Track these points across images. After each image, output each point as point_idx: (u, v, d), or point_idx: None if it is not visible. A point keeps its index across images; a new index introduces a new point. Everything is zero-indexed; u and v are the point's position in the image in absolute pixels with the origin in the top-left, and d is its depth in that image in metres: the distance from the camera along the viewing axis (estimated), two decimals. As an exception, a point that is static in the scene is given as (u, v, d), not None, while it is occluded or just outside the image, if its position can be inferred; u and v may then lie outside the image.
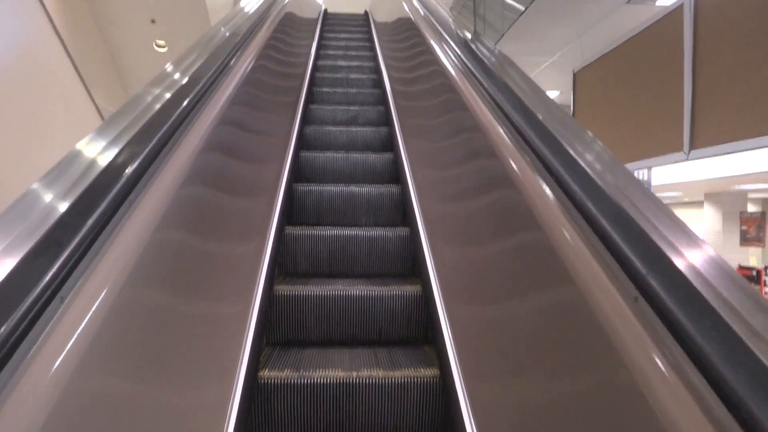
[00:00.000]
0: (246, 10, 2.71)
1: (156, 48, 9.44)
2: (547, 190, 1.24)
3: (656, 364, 0.74)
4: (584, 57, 6.32)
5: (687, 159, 4.23)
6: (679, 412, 0.67)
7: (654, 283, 0.79)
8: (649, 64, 4.77)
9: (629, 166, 4.81)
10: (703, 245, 0.83)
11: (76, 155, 1.07)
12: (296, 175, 3.19)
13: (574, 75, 6.23)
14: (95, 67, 8.72)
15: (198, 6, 8.51)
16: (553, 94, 9.31)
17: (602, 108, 5.75)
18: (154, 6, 8.62)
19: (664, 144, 4.53)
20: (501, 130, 1.62)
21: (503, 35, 7.63)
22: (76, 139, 1.07)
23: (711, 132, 4.01)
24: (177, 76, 1.61)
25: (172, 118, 1.37)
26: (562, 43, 7.79)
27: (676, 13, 4.39)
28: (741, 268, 8.97)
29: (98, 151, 1.10)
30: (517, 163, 1.44)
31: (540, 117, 1.42)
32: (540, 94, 1.64)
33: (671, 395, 0.69)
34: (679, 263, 0.77)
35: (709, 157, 4.17)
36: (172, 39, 9.28)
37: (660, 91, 4.60)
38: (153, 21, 8.88)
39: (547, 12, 6.81)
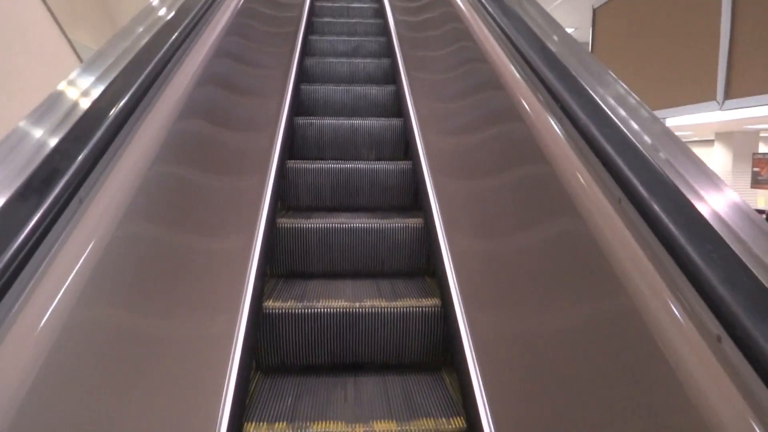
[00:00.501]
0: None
1: None
2: (551, 119, 1.21)
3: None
4: None
5: (721, 109, 3.85)
6: (651, 296, 0.76)
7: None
8: (681, 2, 4.29)
9: (661, 113, 4.45)
10: (681, 152, 0.88)
11: (72, 82, 1.05)
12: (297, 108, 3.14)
13: (594, 11, 5.71)
14: (83, 7, 8.30)
15: None
16: (568, 30, 8.92)
17: (625, 49, 5.22)
18: None
19: (695, 92, 4.12)
20: (507, 61, 1.58)
21: None
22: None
23: (750, 80, 3.58)
24: (170, 5, 1.56)
25: (166, 46, 1.33)
26: None
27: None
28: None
29: (93, 81, 1.08)
30: (521, 93, 1.41)
31: (548, 45, 1.38)
32: (549, 22, 1.59)
33: (650, 284, 0.77)
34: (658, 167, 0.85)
35: (745, 107, 3.79)
36: None
37: (693, 32, 4.12)
38: None
39: None
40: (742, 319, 0.61)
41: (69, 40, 5.27)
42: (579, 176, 1.04)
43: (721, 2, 3.72)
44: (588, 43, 5.84)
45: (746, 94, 3.64)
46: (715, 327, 0.65)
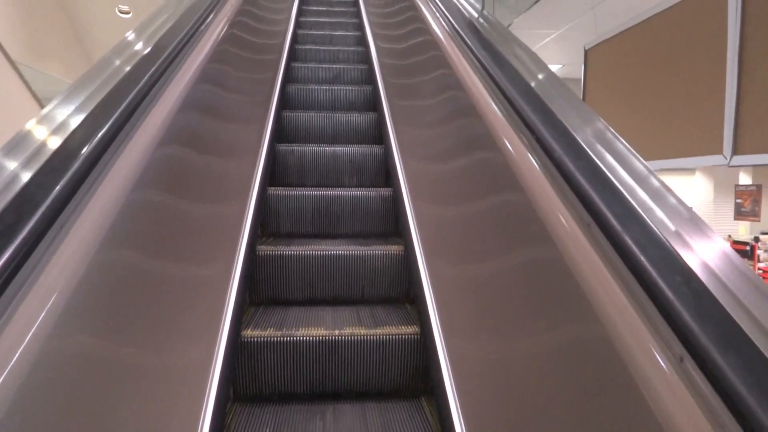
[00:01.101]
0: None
1: (119, 14, 8.53)
2: (525, 149, 1.24)
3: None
4: (597, 31, 5.60)
5: (728, 165, 3.48)
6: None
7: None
8: (681, 46, 3.96)
9: (653, 164, 3.99)
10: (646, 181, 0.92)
11: (45, 117, 1.05)
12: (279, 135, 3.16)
13: (586, 52, 5.34)
14: (54, 39, 7.83)
15: None
16: (553, 68, 8.70)
17: (620, 93, 4.87)
18: None
19: (699, 143, 3.72)
20: (483, 90, 1.61)
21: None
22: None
23: (761, 135, 3.23)
24: (151, 33, 1.57)
25: (148, 75, 1.34)
26: (572, 15, 6.66)
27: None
28: (735, 243, 8.45)
29: (70, 112, 1.09)
30: (497, 123, 1.44)
31: (523, 74, 1.42)
32: (525, 53, 1.63)
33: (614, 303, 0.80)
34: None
35: (758, 165, 3.50)
36: (136, 2, 8.32)
37: (695, 79, 3.78)
38: None
39: None
40: (702, 340, 0.63)
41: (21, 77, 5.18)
42: (551, 203, 1.07)
43: (727, 49, 3.45)
44: (579, 83, 5.59)
45: (757, 150, 3.28)
46: (678, 348, 0.67)
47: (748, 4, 3.24)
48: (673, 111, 4.02)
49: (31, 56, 6.72)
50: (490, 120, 1.52)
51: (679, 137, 3.94)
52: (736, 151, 3.37)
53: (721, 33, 3.41)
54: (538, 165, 1.17)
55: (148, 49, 1.46)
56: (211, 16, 2.00)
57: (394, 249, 2.20)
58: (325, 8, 5.88)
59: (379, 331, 1.80)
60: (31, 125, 1.01)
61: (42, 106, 5.55)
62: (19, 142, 0.95)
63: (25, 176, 0.86)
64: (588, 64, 5.33)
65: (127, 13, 8.40)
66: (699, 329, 0.65)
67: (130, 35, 1.58)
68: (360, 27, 5.17)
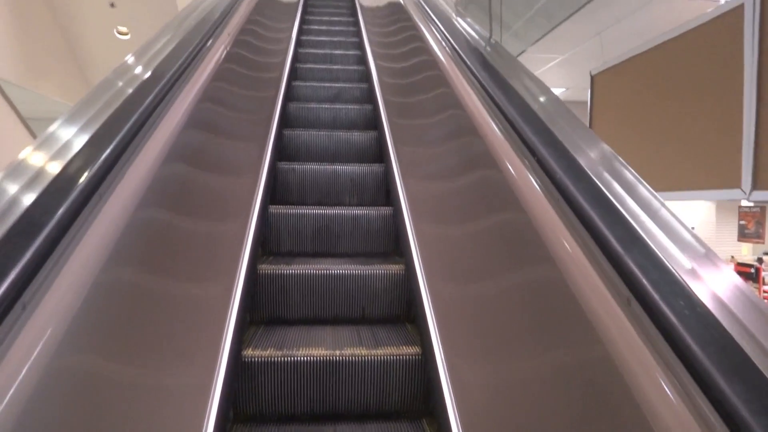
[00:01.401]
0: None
1: (117, 35, 8.39)
2: (526, 170, 1.25)
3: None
4: (604, 56, 5.39)
5: (747, 199, 3.30)
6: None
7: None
8: (695, 74, 3.76)
9: (665, 195, 3.79)
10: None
11: (50, 137, 1.06)
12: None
13: (593, 78, 5.10)
14: (51, 60, 7.80)
15: None
16: (557, 91, 8.25)
17: (629, 121, 4.63)
18: None
19: (714, 175, 3.51)
20: (483, 109, 1.62)
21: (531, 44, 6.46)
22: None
23: None
24: (154, 54, 1.59)
25: (152, 96, 1.35)
26: (578, 40, 6.43)
27: (733, 14, 3.35)
28: (739, 264, 8.05)
29: (72, 134, 1.09)
30: (497, 143, 1.45)
31: (522, 94, 1.44)
32: (525, 75, 1.64)
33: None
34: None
35: None
36: (134, 25, 8.19)
37: (710, 108, 3.58)
38: (112, 5, 7.81)
39: (566, 7, 5.50)
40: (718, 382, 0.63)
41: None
42: (552, 224, 1.07)
43: (744, 78, 3.23)
44: (582, 106, 5.39)
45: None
46: (686, 375, 0.66)
47: (766, 31, 3.12)
48: (686, 141, 3.82)
49: (27, 77, 6.73)
50: (489, 139, 1.54)
51: (693, 169, 3.74)
52: (756, 185, 3.17)
53: (738, 60, 3.28)
54: (539, 185, 1.18)
55: (151, 70, 1.47)
56: (211, 39, 2.02)
57: (395, 268, 2.20)
58: (325, 27, 5.93)
59: (380, 351, 1.79)
60: (31, 148, 1.02)
61: (27, 127, 5.53)
62: (19, 165, 0.96)
63: (28, 198, 0.86)
64: (594, 90, 5.10)
65: (125, 34, 8.30)
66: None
67: (134, 56, 1.59)
68: (360, 46, 5.22)
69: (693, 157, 3.74)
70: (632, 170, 1.08)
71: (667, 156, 4.05)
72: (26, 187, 0.89)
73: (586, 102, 5.31)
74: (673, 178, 3.93)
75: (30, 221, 0.81)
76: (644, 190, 1.02)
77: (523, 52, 6.53)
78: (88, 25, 8.02)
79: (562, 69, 7.37)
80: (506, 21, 6.58)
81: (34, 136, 5.57)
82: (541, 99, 1.47)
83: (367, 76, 4.38)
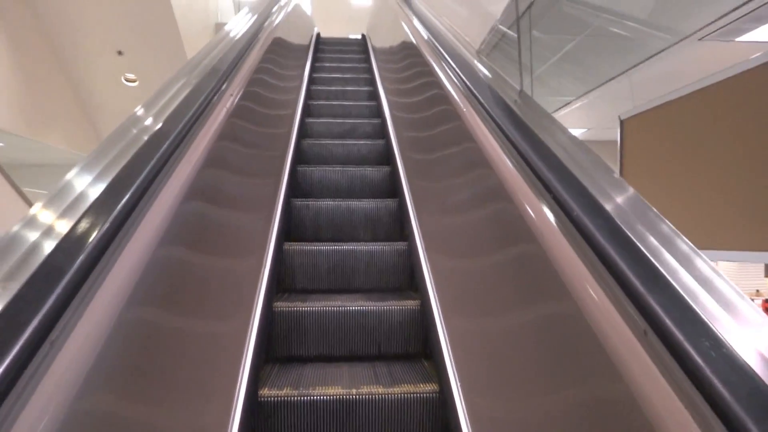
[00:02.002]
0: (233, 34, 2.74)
1: (125, 82, 8.23)
2: (544, 206, 1.25)
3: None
4: (634, 100, 5.01)
5: None
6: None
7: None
8: (743, 122, 3.38)
9: (712, 255, 3.44)
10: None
11: (77, 174, 1.08)
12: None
13: (623, 123, 4.66)
14: (58, 108, 7.72)
15: (170, 35, 7.28)
16: (578, 131, 7.70)
17: (664, 171, 4.20)
18: (121, 36, 7.49)
19: (761, 236, 3.17)
20: (495, 143, 1.63)
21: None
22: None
23: None
24: (173, 95, 1.62)
25: (171, 137, 1.38)
26: (602, 81, 5.93)
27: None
28: (766, 300, 7.90)
29: (97, 172, 1.12)
30: (511, 176, 1.45)
31: (532, 128, 1.44)
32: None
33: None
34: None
35: None
36: (142, 71, 8.07)
37: (761, 160, 3.22)
38: (120, 53, 7.73)
39: (594, 49, 5.05)
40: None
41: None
42: (569, 258, 1.07)
43: None
44: (603, 146, 5.18)
45: None
46: (703, 404, 0.65)
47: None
48: (732, 195, 3.44)
49: (32, 128, 6.75)
50: (503, 174, 1.54)
51: (741, 226, 3.35)
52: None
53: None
54: (555, 221, 1.18)
55: (171, 110, 1.50)
56: (226, 84, 2.06)
57: (410, 304, 2.19)
58: (336, 65, 6.04)
59: (396, 389, 1.77)
60: (47, 197, 1.04)
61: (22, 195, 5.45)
62: (34, 217, 0.98)
63: (49, 246, 0.88)
64: (625, 136, 4.65)
65: (133, 81, 8.20)
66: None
67: (155, 96, 1.63)
68: (372, 82, 5.30)
69: (739, 214, 3.37)
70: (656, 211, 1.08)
71: (705, 211, 3.66)
72: (48, 234, 0.91)
73: (608, 141, 5.04)
74: (716, 236, 3.54)
75: (54, 266, 0.82)
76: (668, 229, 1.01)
77: (563, 106, 6.21)
78: (96, 73, 7.99)
79: (581, 109, 6.95)
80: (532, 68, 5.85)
81: (29, 204, 5.45)
82: (557, 136, 1.48)
83: (378, 111, 4.44)
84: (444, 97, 2.30)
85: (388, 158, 3.68)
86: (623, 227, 1.00)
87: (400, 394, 1.76)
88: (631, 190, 1.17)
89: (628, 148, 4.62)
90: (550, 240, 1.16)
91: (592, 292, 0.95)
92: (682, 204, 3.87)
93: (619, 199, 1.13)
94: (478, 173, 1.79)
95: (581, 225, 1.06)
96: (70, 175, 1.12)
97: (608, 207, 1.09)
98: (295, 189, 3.25)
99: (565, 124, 1.54)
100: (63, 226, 0.92)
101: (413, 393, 1.76)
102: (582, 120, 7.37)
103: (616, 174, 1.26)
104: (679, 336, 0.73)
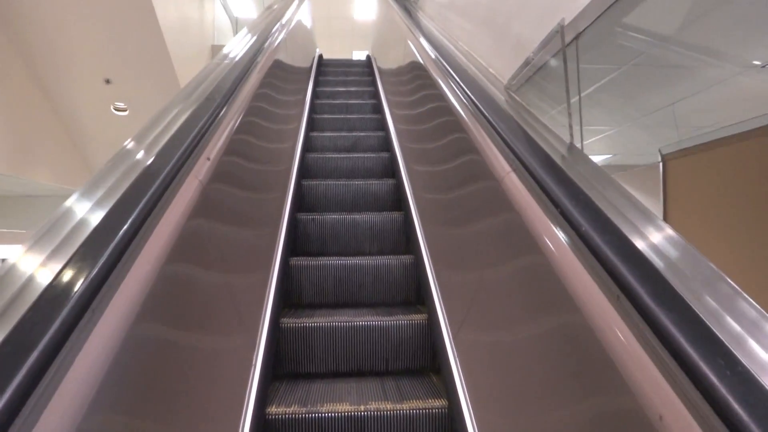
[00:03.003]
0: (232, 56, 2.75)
1: (115, 112, 7.73)
2: (549, 218, 1.24)
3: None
4: (678, 132, 4.49)
5: None
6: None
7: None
8: None
9: None
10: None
11: (79, 199, 1.08)
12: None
13: (665, 160, 4.11)
14: (45, 141, 7.30)
15: (160, 60, 6.92)
16: (602, 158, 7.11)
17: (720, 215, 3.59)
18: (108, 64, 7.05)
19: None
20: (499, 154, 1.63)
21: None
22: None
23: None
24: (178, 113, 1.63)
25: (176, 155, 1.38)
26: (646, 113, 5.14)
27: None
28: None
29: (104, 192, 1.12)
30: (518, 191, 1.44)
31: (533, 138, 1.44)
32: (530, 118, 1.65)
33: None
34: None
35: None
36: (132, 100, 7.60)
37: None
38: (108, 81, 7.31)
39: (636, 78, 4.14)
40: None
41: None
42: (576, 272, 1.06)
43: None
44: (626, 170, 4.75)
45: None
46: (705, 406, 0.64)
47: None
48: None
49: (17, 165, 6.49)
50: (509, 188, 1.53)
51: None
52: None
53: None
54: (563, 236, 1.17)
55: (177, 126, 1.50)
56: (228, 103, 2.06)
57: (418, 318, 2.18)
58: (341, 78, 6.07)
59: (405, 405, 1.75)
60: (59, 212, 1.04)
61: None
62: (51, 228, 0.98)
63: (57, 266, 0.88)
64: (669, 174, 4.10)
65: (123, 110, 7.77)
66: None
67: (161, 113, 1.63)
68: (375, 95, 5.32)
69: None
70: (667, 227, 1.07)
71: (759, 262, 3.14)
72: (55, 256, 0.91)
73: (634, 166, 4.96)
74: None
75: (64, 289, 0.82)
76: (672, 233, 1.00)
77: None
78: (83, 103, 7.53)
79: (608, 137, 6.25)
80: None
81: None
82: (560, 152, 1.47)
83: (382, 124, 4.45)
84: (441, 97, 2.30)
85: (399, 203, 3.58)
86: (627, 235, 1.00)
87: (409, 410, 1.74)
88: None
89: (672, 188, 4.08)
90: (560, 260, 1.15)
91: (603, 311, 0.94)
92: (740, 252, 3.33)
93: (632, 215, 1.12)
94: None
95: (591, 243, 1.06)
96: (73, 199, 1.12)
97: (620, 225, 1.09)
98: (300, 203, 3.24)
99: (588, 152, 1.46)
100: (79, 239, 0.92)
101: (422, 409, 1.75)
102: (607, 146, 6.77)
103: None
104: (694, 355, 0.72)
